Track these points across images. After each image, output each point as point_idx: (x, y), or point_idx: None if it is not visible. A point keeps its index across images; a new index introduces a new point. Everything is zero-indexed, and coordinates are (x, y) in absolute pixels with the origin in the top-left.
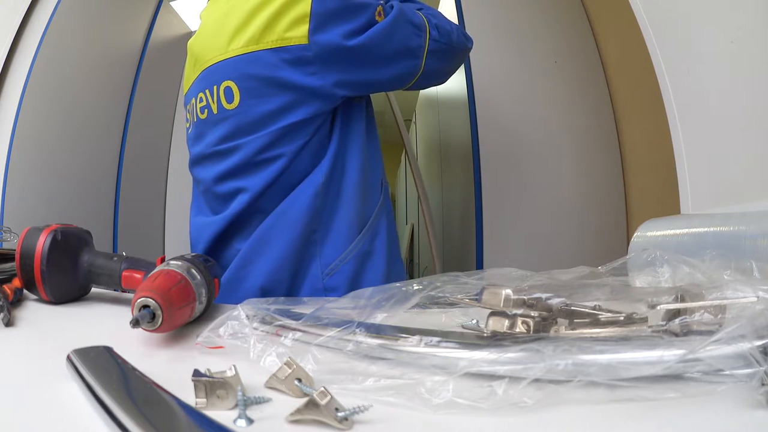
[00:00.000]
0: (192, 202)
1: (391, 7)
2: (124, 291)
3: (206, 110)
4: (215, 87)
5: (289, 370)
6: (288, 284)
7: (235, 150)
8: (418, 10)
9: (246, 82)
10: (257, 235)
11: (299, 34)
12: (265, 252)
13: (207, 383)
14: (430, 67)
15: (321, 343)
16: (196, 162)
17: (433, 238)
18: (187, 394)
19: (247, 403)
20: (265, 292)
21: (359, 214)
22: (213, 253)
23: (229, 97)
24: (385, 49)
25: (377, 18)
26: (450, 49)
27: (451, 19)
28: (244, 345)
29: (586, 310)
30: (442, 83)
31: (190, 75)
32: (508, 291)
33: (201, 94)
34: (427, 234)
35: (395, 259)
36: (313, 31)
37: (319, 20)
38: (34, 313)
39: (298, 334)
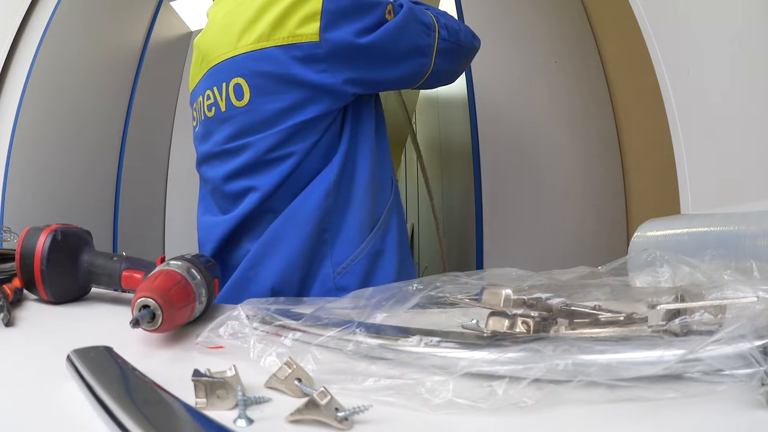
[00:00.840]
0: (199, 201)
1: (401, 6)
2: (124, 291)
3: (213, 108)
4: (224, 84)
5: (289, 370)
6: (299, 284)
7: (244, 148)
8: (426, 9)
9: (256, 79)
10: (268, 235)
11: (310, 31)
12: (276, 252)
13: (207, 383)
14: (440, 67)
15: (321, 343)
16: (203, 161)
17: (442, 239)
18: (187, 394)
19: (247, 403)
20: (275, 292)
21: (370, 213)
22: (222, 253)
23: (239, 94)
24: (395, 47)
25: (387, 16)
26: (459, 48)
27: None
28: (244, 345)
29: (586, 310)
30: (451, 83)
31: (197, 73)
32: (508, 291)
33: (208, 92)
34: (437, 234)
35: (406, 257)
36: (324, 28)
37: (330, 17)
38: (34, 313)
39: (298, 334)
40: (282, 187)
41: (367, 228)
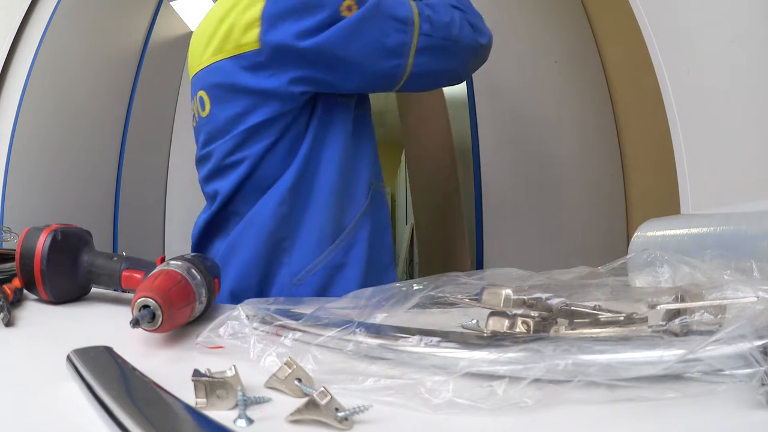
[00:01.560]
0: None
1: None
2: (124, 291)
3: (194, 119)
4: (195, 97)
5: (289, 370)
6: (256, 290)
7: (210, 155)
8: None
9: (213, 90)
10: (230, 240)
11: (251, 39)
12: (235, 257)
13: (207, 383)
14: (423, 68)
15: (321, 343)
16: (196, 165)
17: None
18: (187, 394)
19: (247, 403)
20: (234, 297)
21: (334, 222)
22: (198, 251)
23: (203, 105)
24: (349, 49)
25: (344, 13)
26: (450, 45)
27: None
28: (244, 345)
29: (586, 310)
30: (456, 84)
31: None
32: (508, 291)
33: (192, 104)
34: (462, 236)
35: (379, 272)
36: (263, 33)
37: (269, 22)
38: (34, 313)
39: (298, 334)
40: (240, 192)
41: (329, 238)
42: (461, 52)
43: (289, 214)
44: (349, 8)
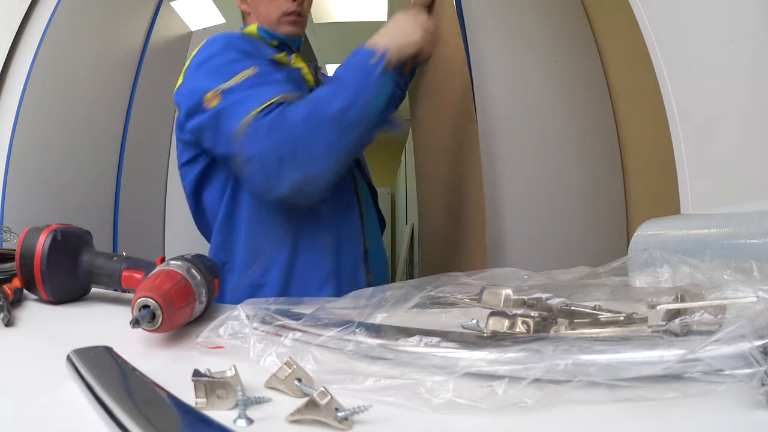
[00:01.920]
0: None
1: (232, 92)
2: (124, 291)
3: None
4: None
5: (289, 370)
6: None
7: None
8: (247, 113)
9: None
10: None
11: (174, 107)
12: None
13: (207, 383)
14: (250, 178)
15: (321, 343)
16: None
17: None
18: (187, 394)
19: (247, 403)
20: None
21: (253, 247)
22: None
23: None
24: (204, 143)
25: (205, 104)
26: (269, 174)
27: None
28: (244, 345)
29: (586, 310)
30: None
31: None
32: (508, 291)
33: None
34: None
35: (305, 291)
36: (176, 101)
37: (176, 97)
38: (34, 313)
39: (298, 334)
40: (200, 222)
41: (249, 262)
42: (290, 183)
43: (224, 242)
44: (211, 99)
